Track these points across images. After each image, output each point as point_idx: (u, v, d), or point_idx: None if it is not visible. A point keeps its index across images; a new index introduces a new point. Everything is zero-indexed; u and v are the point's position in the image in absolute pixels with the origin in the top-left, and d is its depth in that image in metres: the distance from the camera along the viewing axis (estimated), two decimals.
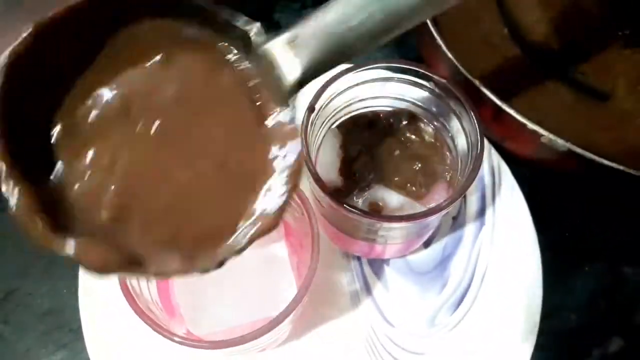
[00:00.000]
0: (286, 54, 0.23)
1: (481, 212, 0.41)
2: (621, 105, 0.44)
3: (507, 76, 0.44)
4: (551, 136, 0.35)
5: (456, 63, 0.38)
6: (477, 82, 0.37)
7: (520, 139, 0.39)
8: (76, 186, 0.22)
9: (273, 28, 0.23)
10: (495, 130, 0.40)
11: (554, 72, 0.45)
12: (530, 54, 0.46)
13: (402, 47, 0.51)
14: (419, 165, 0.35)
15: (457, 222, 0.41)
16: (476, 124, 0.31)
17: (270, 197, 0.24)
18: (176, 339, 0.27)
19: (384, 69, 0.34)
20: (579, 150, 0.35)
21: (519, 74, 0.44)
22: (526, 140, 0.38)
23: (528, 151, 0.39)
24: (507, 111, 0.36)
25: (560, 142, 0.35)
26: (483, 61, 0.44)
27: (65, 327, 0.41)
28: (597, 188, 0.41)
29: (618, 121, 0.43)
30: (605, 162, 0.35)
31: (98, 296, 0.37)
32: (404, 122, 0.36)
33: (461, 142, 0.33)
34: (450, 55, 0.38)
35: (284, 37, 0.23)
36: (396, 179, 0.34)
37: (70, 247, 0.21)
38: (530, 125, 0.36)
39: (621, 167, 0.35)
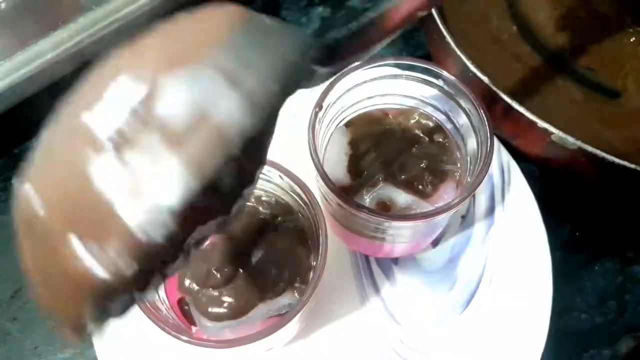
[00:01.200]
0: None
1: (490, 211, 0.41)
2: (631, 102, 0.43)
3: (517, 73, 0.44)
4: (561, 134, 0.35)
5: (465, 60, 0.37)
6: (486, 80, 0.37)
7: (530, 137, 0.38)
8: None
9: None
10: (505, 128, 0.40)
11: (564, 69, 0.44)
12: (540, 51, 0.45)
13: (411, 45, 0.51)
14: (428, 163, 0.34)
15: (466, 221, 0.41)
16: (486, 122, 0.31)
17: None
18: (183, 337, 0.27)
19: (392, 66, 0.34)
20: (589, 148, 0.35)
21: (528, 71, 0.44)
22: (536, 138, 0.37)
23: (538, 149, 0.39)
24: (516, 109, 0.36)
25: (570, 139, 0.35)
26: (492, 59, 0.43)
27: None
28: (608, 186, 0.41)
29: (628, 118, 0.43)
30: (616, 160, 0.34)
31: None
32: (413, 120, 0.36)
33: (470, 141, 0.33)
34: (459, 52, 0.38)
35: None
36: (404, 177, 0.34)
37: None
38: (540, 123, 0.36)
39: (632, 166, 0.34)
